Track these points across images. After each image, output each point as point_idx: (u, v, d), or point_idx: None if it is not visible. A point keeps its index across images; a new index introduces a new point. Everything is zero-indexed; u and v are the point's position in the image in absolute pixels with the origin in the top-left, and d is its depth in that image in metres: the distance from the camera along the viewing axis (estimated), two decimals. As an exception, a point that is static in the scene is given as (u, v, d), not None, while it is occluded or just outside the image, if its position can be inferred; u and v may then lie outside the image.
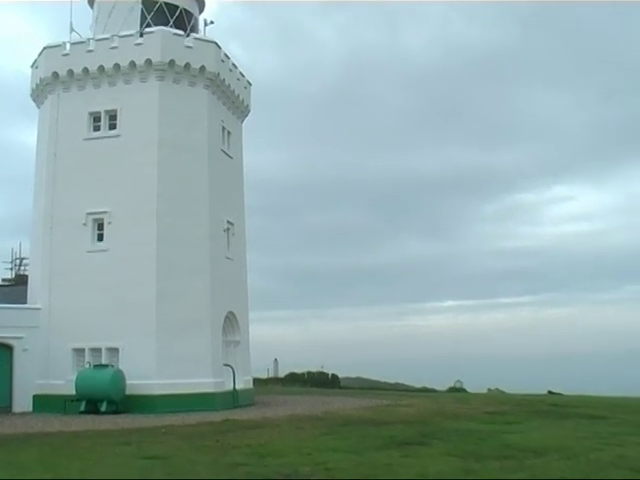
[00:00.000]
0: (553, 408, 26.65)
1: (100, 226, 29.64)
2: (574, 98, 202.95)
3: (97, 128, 30.51)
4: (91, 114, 30.49)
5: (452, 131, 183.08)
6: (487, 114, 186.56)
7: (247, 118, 36.51)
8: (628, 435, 17.62)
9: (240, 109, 35.23)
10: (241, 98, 34.86)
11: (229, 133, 33.45)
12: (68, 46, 31.19)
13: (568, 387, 49.91)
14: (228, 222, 32.13)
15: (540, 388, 47.21)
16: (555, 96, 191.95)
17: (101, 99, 30.41)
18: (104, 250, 29.26)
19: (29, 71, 33.06)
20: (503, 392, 48.69)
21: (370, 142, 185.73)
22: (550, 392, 45.63)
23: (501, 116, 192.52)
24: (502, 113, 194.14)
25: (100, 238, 29.63)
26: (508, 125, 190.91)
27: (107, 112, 30.33)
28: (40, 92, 32.15)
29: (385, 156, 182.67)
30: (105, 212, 29.37)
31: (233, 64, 33.69)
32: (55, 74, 30.88)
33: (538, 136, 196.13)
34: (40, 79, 31.52)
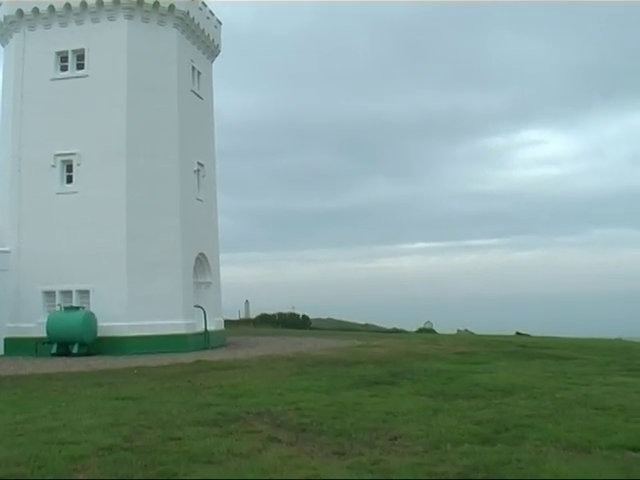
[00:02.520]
0: (521, 349, 27.01)
1: (69, 168, 29.25)
2: (545, 43, 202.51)
3: (64, 68, 29.90)
4: (58, 54, 29.84)
5: (423, 75, 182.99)
6: (458, 58, 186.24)
7: (217, 59, 36.00)
8: (594, 375, 17.93)
9: (210, 49, 34.69)
10: (211, 37, 34.31)
11: (199, 73, 33.00)
12: (33, -18, 30.36)
13: (536, 328, 50.68)
14: (198, 163, 31.90)
15: (508, 329, 47.88)
16: (526, 40, 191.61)
17: (68, 38, 29.71)
18: (73, 192, 28.93)
19: (-7, 8, 32.21)
20: (472, 333, 49.31)
21: (342, 85, 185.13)
22: (518, 333, 46.31)
23: (472, 60, 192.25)
24: (473, 57, 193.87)
25: (69, 180, 29.27)
26: (479, 69, 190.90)
27: (74, 52, 29.72)
28: (5, 30, 31.35)
29: (357, 99, 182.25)
30: (74, 154, 28.97)
31: (202, 2, 33.08)
32: (20, 12, 30.10)
33: (509, 80, 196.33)
34: (4, 17, 30.72)
